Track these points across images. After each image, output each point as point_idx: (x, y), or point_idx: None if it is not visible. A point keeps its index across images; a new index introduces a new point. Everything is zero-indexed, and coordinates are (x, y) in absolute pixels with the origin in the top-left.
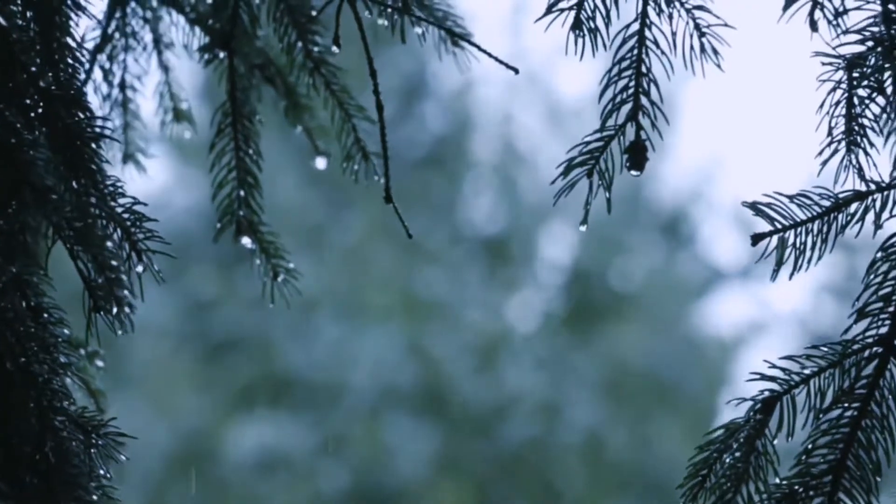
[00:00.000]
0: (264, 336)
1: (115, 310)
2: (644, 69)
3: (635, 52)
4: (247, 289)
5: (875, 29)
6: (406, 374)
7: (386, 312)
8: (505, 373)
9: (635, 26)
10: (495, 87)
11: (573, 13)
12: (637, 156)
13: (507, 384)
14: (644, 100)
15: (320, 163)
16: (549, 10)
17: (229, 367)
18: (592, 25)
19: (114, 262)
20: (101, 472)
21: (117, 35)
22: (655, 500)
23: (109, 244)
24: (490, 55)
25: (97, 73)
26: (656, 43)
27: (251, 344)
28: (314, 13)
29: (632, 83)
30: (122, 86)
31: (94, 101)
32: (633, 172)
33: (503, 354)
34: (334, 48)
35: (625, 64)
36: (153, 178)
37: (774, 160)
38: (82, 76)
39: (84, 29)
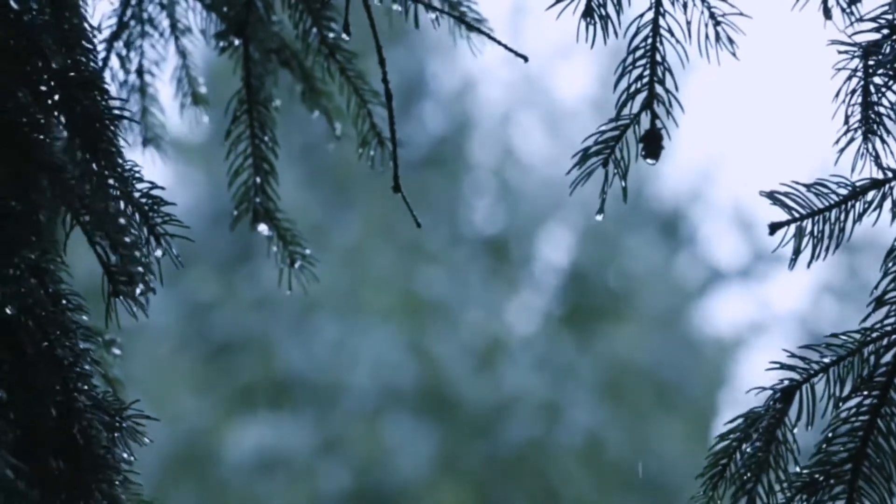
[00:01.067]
0: (264, 336)
1: (132, 290)
2: (659, 58)
3: (650, 40)
4: (247, 289)
5: (890, 16)
6: (406, 375)
7: (386, 313)
8: (505, 373)
9: (650, 15)
10: (495, 88)
11: (584, 1)
12: (652, 144)
13: (506, 384)
14: (659, 88)
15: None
16: None
17: (229, 368)
18: (603, 13)
19: (128, 240)
20: (125, 455)
21: (133, 22)
22: (655, 500)
23: (122, 220)
24: (499, 42)
25: (114, 61)
26: (671, 31)
27: (251, 344)
28: None
29: (646, 72)
30: (140, 72)
31: (111, 88)
32: (649, 161)
33: (503, 355)
34: (344, 36)
35: (639, 53)
36: (152, 176)
37: (774, 160)
38: (98, 59)
39: (101, 16)
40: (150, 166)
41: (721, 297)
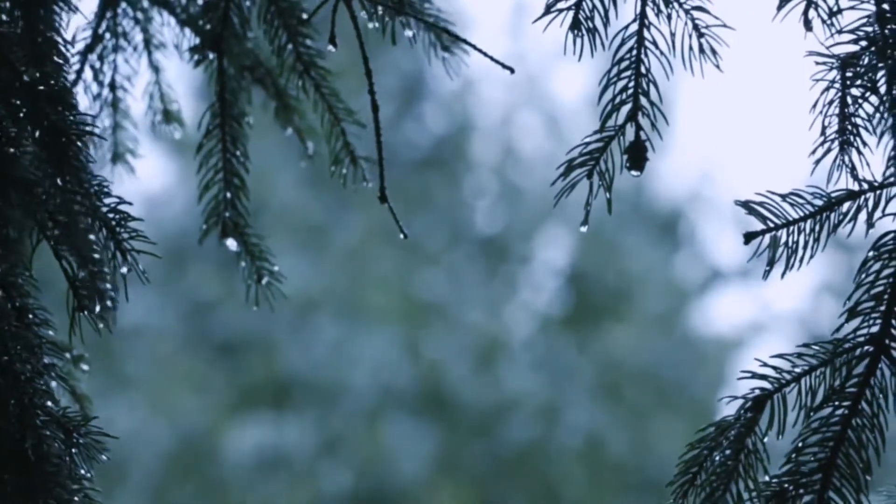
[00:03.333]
0: (264, 337)
1: (97, 306)
2: (643, 70)
3: (634, 52)
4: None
5: (868, 28)
6: (405, 376)
7: (385, 313)
8: (504, 374)
9: (634, 27)
10: (495, 89)
11: (571, 13)
12: (637, 156)
13: (506, 385)
14: (643, 100)
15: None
16: (547, 10)
17: (229, 368)
18: (591, 25)
19: (97, 256)
20: (83, 472)
21: (108, 35)
22: (655, 500)
23: (92, 237)
24: (486, 54)
25: (87, 73)
26: (655, 43)
27: (251, 345)
28: (305, 16)
29: (631, 84)
30: (113, 86)
31: (83, 101)
32: (634, 173)
33: (502, 355)
34: (330, 47)
35: (624, 64)
36: (153, 176)
37: (775, 159)
38: (69, 73)
39: (75, 29)
40: (148, 167)
41: (721, 297)
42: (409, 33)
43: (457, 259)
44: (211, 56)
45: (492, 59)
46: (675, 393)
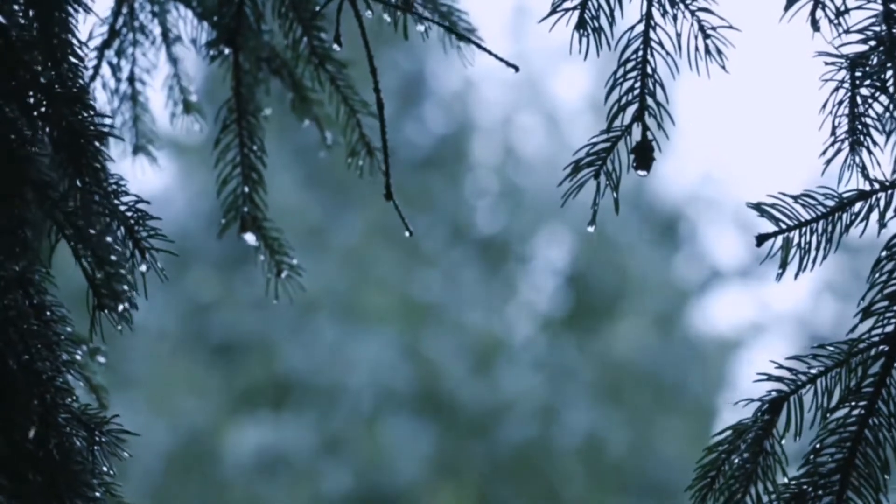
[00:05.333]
0: (264, 338)
1: (116, 305)
2: (649, 70)
3: (640, 53)
4: (246, 290)
5: (877, 28)
6: (404, 376)
7: (385, 314)
8: (504, 374)
9: (640, 27)
10: (496, 89)
11: (577, 13)
12: (644, 156)
13: (505, 385)
14: (650, 100)
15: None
16: (553, 10)
17: (229, 369)
18: (596, 25)
19: (113, 258)
20: (105, 469)
21: (125, 30)
22: (654, 500)
23: (109, 238)
24: (490, 52)
25: (105, 69)
26: (661, 44)
27: (251, 346)
28: (318, 9)
29: (637, 84)
30: (131, 79)
31: (102, 95)
32: (640, 172)
33: (502, 356)
34: (335, 46)
35: (630, 65)
36: (153, 178)
37: (776, 160)
38: (86, 74)
39: (92, 24)
40: (148, 168)
41: (721, 297)
42: (420, 28)
43: (457, 259)
44: (226, 51)
45: (496, 56)
46: (674, 393)
